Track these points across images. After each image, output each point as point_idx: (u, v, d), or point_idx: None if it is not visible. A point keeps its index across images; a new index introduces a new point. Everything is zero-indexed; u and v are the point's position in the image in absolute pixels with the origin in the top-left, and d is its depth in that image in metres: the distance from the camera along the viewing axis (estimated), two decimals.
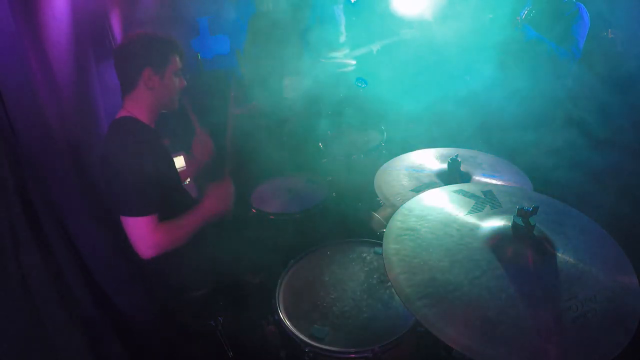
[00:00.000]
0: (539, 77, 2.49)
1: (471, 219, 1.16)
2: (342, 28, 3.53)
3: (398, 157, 1.81)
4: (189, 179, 2.52)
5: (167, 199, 1.68)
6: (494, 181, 1.57)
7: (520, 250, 1.03)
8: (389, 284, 1.50)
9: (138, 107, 1.65)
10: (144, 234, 1.53)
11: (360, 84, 2.94)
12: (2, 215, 1.22)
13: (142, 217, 1.52)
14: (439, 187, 1.38)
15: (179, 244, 1.62)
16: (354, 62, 3.39)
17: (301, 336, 1.35)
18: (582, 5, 2.45)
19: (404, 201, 1.30)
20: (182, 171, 2.19)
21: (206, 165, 2.15)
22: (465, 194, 1.27)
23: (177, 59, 1.67)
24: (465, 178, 1.59)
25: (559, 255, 1.04)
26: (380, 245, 1.19)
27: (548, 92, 2.54)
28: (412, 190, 1.54)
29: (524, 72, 2.47)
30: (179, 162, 2.47)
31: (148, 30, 1.68)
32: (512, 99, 2.49)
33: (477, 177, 1.60)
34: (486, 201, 1.23)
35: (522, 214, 1.02)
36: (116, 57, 1.64)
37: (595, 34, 2.63)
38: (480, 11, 2.84)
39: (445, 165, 1.62)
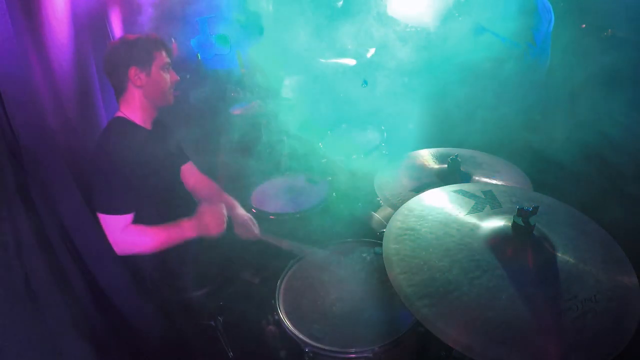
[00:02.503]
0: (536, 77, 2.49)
1: (471, 219, 1.16)
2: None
3: (398, 157, 1.81)
4: None
5: (162, 199, 1.69)
6: (494, 181, 1.57)
7: (520, 250, 1.03)
8: (389, 284, 1.49)
9: (131, 108, 1.69)
10: (112, 231, 1.55)
11: (361, 85, 2.94)
12: (4, 215, 1.22)
13: (113, 215, 1.54)
14: (439, 187, 1.38)
15: (152, 250, 1.61)
16: (354, 62, 3.39)
17: (301, 336, 1.35)
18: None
19: (404, 201, 1.30)
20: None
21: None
22: (465, 194, 1.27)
23: (163, 53, 1.70)
24: (465, 178, 1.59)
25: (559, 255, 1.04)
26: (380, 245, 1.19)
27: (547, 91, 2.54)
28: (412, 190, 1.54)
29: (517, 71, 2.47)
30: None
31: (129, 34, 1.71)
32: (512, 99, 2.49)
33: (477, 177, 1.60)
34: (486, 201, 1.23)
35: (522, 214, 1.02)
36: (104, 65, 1.68)
37: (595, 33, 2.63)
38: (481, 10, 2.84)
39: (445, 165, 1.62)
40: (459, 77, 2.64)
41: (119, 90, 1.69)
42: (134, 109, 1.69)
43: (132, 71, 1.63)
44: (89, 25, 2.07)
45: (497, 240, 1.06)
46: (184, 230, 1.65)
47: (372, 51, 3.42)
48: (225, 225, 1.69)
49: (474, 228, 1.12)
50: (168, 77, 1.72)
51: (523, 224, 1.03)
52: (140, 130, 1.70)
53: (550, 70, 2.60)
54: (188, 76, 3.38)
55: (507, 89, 2.45)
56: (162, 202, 1.71)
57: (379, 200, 1.60)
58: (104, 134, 1.65)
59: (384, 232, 1.16)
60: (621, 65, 2.37)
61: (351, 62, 3.40)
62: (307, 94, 3.08)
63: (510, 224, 1.06)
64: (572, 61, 2.53)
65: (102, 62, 1.70)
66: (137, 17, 2.79)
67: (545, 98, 2.57)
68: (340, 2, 3.45)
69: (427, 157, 1.79)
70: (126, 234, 1.57)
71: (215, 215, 1.67)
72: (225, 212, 1.71)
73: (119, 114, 1.68)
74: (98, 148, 1.61)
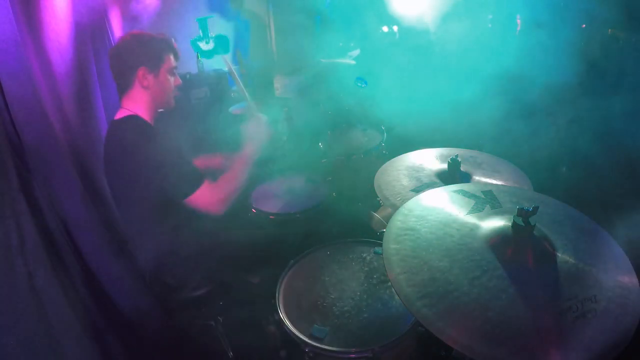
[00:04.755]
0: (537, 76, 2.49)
1: (471, 219, 1.16)
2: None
3: (398, 157, 1.81)
4: None
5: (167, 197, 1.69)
6: (494, 181, 1.57)
7: (520, 250, 1.03)
8: (389, 284, 1.50)
9: (137, 106, 1.68)
10: (208, 199, 1.64)
11: (360, 84, 2.94)
12: (8, 214, 1.22)
13: (197, 191, 1.61)
14: (439, 187, 1.38)
15: (238, 192, 1.74)
16: (353, 62, 3.40)
17: (301, 336, 1.35)
18: None
19: (404, 201, 1.30)
20: None
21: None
22: (465, 194, 1.27)
23: (172, 57, 1.71)
24: (465, 178, 1.59)
25: (559, 255, 1.04)
26: (380, 245, 1.20)
27: (547, 91, 2.54)
28: (412, 190, 1.54)
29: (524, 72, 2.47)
30: None
31: (143, 30, 1.71)
32: (512, 99, 2.49)
33: (477, 177, 1.61)
34: (486, 201, 1.23)
35: (522, 214, 1.02)
36: (111, 58, 1.67)
37: (595, 33, 2.63)
38: (481, 11, 2.84)
39: (445, 165, 1.62)
40: (460, 76, 2.64)
41: (124, 88, 1.68)
42: (139, 107, 1.68)
43: (141, 71, 1.63)
44: (89, 25, 2.07)
45: (497, 240, 1.06)
46: (246, 157, 1.81)
47: (355, 53, 3.43)
48: (267, 132, 1.92)
49: (474, 228, 1.12)
50: (173, 80, 1.74)
51: (523, 224, 1.03)
52: (152, 127, 1.72)
53: (552, 70, 2.60)
54: (188, 76, 3.39)
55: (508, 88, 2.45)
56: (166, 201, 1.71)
57: (379, 200, 1.60)
58: (131, 133, 1.62)
59: (384, 232, 1.16)
60: (622, 65, 2.37)
61: (351, 61, 3.41)
62: (307, 94, 3.08)
63: (510, 224, 1.06)
64: (574, 61, 2.54)
65: (110, 55, 1.69)
66: (137, 17, 2.80)
67: (546, 98, 2.57)
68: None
69: (427, 157, 1.79)
70: (215, 192, 1.66)
71: (256, 128, 1.90)
72: (263, 121, 1.94)
73: (127, 112, 1.66)
74: (138, 149, 1.58)
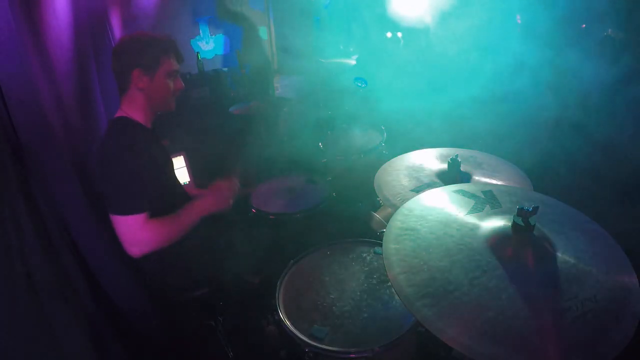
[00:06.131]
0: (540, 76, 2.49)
1: (471, 219, 1.16)
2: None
3: (398, 157, 1.81)
4: (188, 179, 2.53)
5: (163, 198, 1.69)
6: (494, 181, 1.57)
7: (520, 250, 1.03)
8: (389, 284, 1.50)
9: (133, 107, 1.66)
10: (130, 232, 1.52)
11: (360, 84, 2.94)
12: (6, 214, 1.22)
13: (128, 215, 1.51)
14: (439, 187, 1.38)
15: (171, 240, 1.60)
16: (353, 62, 3.40)
17: (301, 336, 1.35)
18: None
19: (404, 201, 1.30)
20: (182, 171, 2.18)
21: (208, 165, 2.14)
22: (465, 194, 1.27)
23: (171, 60, 1.66)
24: (465, 178, 1.59)
25: (559, 255, 1.04)
26: (380, 245, 1.20)
27: (547, 91, 2.54)
28: (412, 190, 1.54)
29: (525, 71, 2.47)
30: (179, 162, 2.47)
31: (144, 31, 1.69)
32: (512, 98, 2.49)
33: (477, 177, 1.61)
34: (486, 201, 1.23)
35: (522, 214, 1.02)
36: (112, 58, 1.66)
37: (595, 33, 2.63)
38: (481, 11, 2.84)
39: (445, 165, 1.62)
40: (459, 76, 2.64)
41: (122, 89, 1.66)
42: (135, 109, 1.66)
43: (136, 73, 1.59)
44: (89, 26, 2.07)
45: (497, 240, 1.06)
46: (199, 209, 1.70)
47: (355, 57, 3.44)
48: (231, 201, 1.79)
49: (474, 228, 1.12)
50: (172, 84, 1.68)
51: (523, 224, 1.03)
52: (144, 129, 1.70)
53: (554, 70, 2.60)
54: (188, 76, 3.39)
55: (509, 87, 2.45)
56: (167, 199, 1.71)
57: (379, 200, 1.60)
58: (110, 135, 1.62)
59: (384, 232, 1.16)
60: (623, 66, 2.37)
61: (351, 62, 3.41)
62: (307, 94, 3.08)
63: (510, 224, 1.06)
64: (575, 61, 2.54)
65: (112, 55, 1.66)
66: (137, 17, 2.80)
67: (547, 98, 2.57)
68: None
69: (427, 157, 1.79)
70: (145, 231, 1.54)
71: (224, 189, 1.80)
72: (235, 187, 1.83)
73: (121, 113, 1.66)
74: (106, 150, 1.58)
